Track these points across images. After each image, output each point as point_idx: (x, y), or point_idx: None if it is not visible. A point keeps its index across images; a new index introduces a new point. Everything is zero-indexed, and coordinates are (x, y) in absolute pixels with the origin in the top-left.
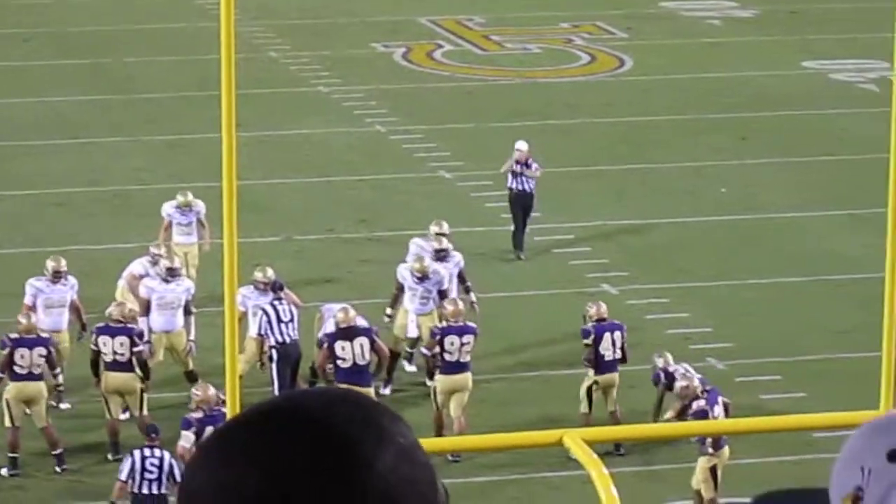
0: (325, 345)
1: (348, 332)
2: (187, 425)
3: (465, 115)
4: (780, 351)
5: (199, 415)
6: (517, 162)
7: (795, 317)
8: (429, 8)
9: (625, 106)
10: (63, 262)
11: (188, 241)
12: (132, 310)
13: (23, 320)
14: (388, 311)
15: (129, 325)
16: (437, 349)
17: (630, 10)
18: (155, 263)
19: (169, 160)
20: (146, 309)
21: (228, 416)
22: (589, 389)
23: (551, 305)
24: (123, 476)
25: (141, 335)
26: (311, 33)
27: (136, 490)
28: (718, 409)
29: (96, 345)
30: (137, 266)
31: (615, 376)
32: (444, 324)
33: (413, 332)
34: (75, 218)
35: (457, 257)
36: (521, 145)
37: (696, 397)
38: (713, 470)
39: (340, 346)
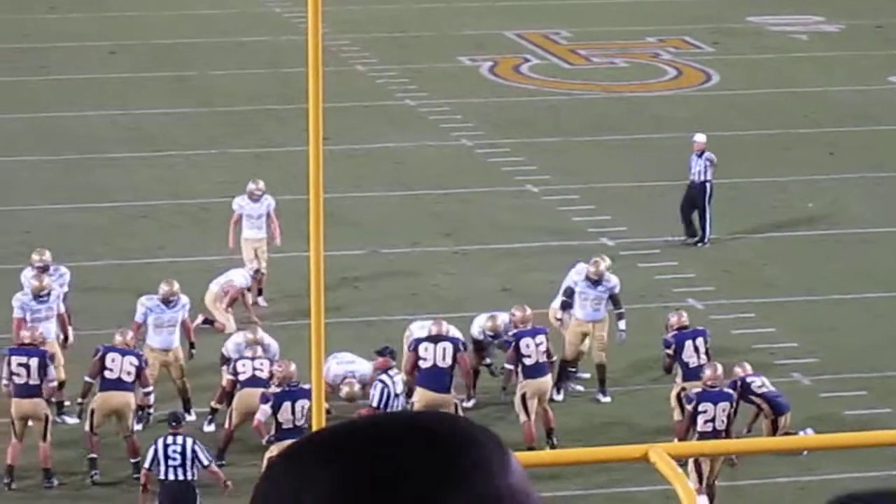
0: (412, 347)
1: (435, 338)
2: (265, 400)
3: (551, 129)
4: (866, 366)
5: (276, 390)
6: (697, 153)
7: (881, 332)
8: (515, 22)
9: (711, 120)
10: (176, 286)
11: (258, 236)
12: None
13: (118, 336)
14: (559, 314)
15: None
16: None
17: (717, 24)
18: (255, 275)
19: (254, 173)
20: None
21: (313, 424)
22: (678, 395)
23: (637, 319)
24: (147, 464)
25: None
26: (397, 47)
27: (161, 477)
28: (714, 409)
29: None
30: (238, 276)
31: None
32: (515, 329)
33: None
34: (159, 230)
35: (612, 281)
36: (699, 136)
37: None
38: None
39: (424, 347)
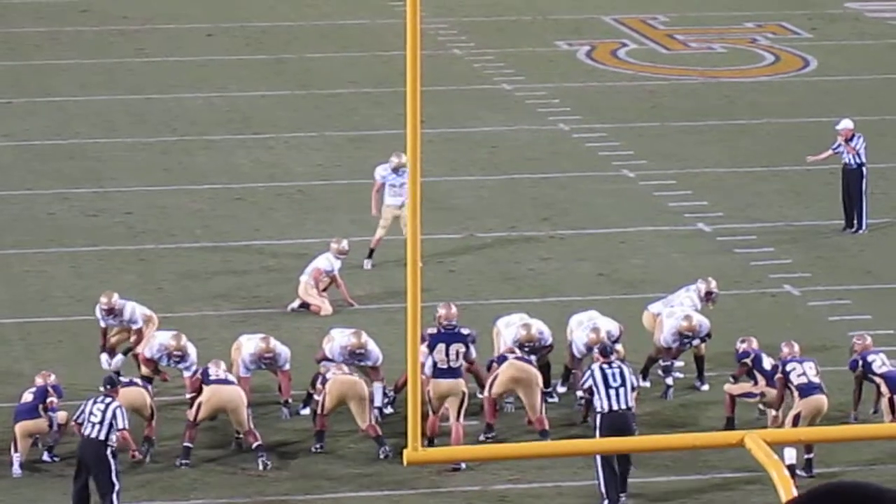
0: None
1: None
2: (423, 340)
3: (648, 114)
4: None
5: (433, 330)
6: (844, 139)
7: None
8: (613, 6)
9: (808, 106)
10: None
11: (399, 203)
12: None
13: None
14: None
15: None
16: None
17: (814, 10)
18: (341, 256)
19: (351, 156)
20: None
21: (409, 404)
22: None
23: (734, 305)
24: (76, 416)
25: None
26: (494, 31)
27: (82, 431)
28: (801, 366)
29: None
30: (323, 261)
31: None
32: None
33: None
34: (256, 212)
35: (703, 328)
36: (847, 122)
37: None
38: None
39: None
